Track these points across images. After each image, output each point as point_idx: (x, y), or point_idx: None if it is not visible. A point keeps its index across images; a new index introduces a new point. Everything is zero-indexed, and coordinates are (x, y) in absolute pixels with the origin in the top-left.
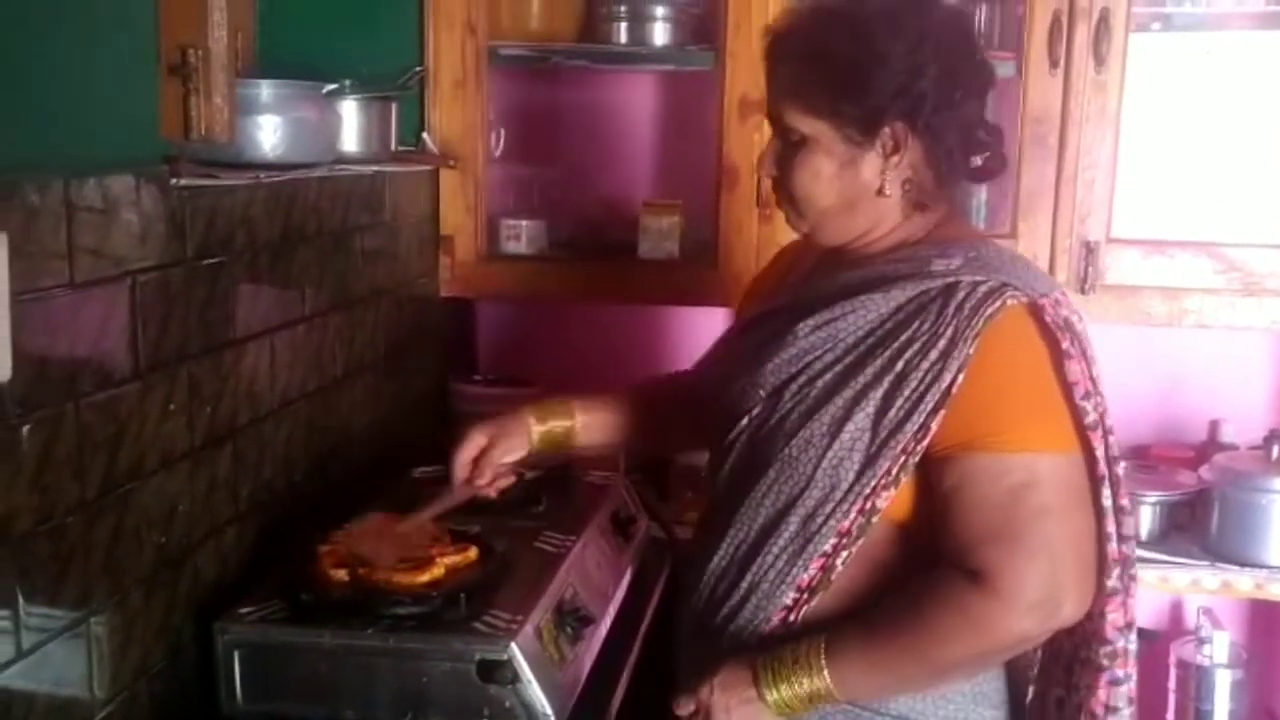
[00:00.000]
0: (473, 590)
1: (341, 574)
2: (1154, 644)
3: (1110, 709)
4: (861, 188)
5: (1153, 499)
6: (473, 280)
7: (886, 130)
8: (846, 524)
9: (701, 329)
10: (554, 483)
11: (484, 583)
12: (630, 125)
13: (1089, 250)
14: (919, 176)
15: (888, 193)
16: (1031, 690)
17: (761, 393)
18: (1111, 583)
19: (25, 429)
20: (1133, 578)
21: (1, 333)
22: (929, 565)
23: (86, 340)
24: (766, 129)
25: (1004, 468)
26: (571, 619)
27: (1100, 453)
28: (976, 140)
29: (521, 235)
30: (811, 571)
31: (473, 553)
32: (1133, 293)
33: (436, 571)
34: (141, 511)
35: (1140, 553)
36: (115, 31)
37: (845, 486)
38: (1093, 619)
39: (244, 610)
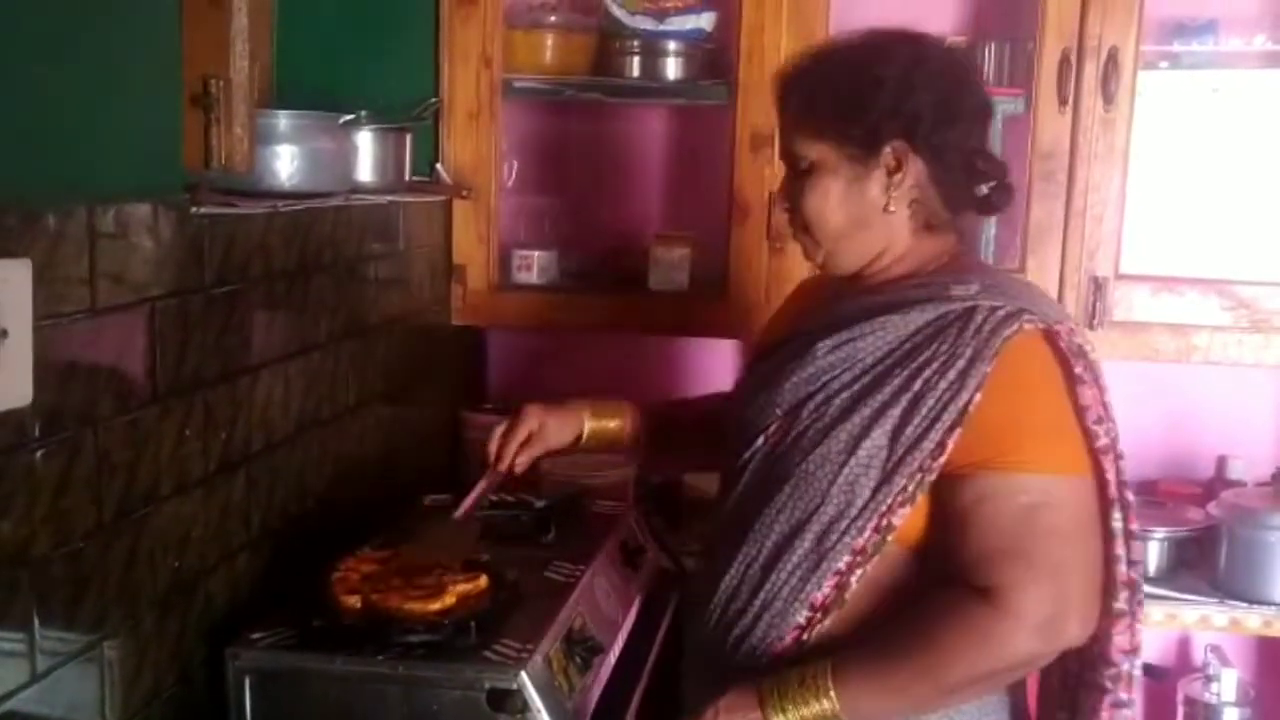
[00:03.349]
0: (483, 618)
1: (353, 600)
2: (1162, 681)
3: None
4: (869, 206)
5: (1160, 535)
6: (484, 309)
7: (887, 149)
8: (861, 541)
9: (711, 360)
10: (564, 512)
11: (494, 611)
12: (642, 158)
13: (1097, 286)
14: (925, 196)
15: (893, 209)
16: (1035, 714)
17: (778, 411)
18: (1119, 605)
19: (44, 453)
20: (1139, 603)
21: (24, 357)
22: (939, 588)
23: (106, 365)
24: (778, 162)
25: (1018, 487)
26: (581, 648)
27: (1111, 476)
28: (977, 168)
29: (533, 265)
30: (825, 590)
31: (483, 581)
32: (1141, 329)
33: (447, 599)
34: (156, 536)
35: (1148, 589)
36: (140, 62)
37: (861, 503)
38: (1099, 641)
39: (255, 636)
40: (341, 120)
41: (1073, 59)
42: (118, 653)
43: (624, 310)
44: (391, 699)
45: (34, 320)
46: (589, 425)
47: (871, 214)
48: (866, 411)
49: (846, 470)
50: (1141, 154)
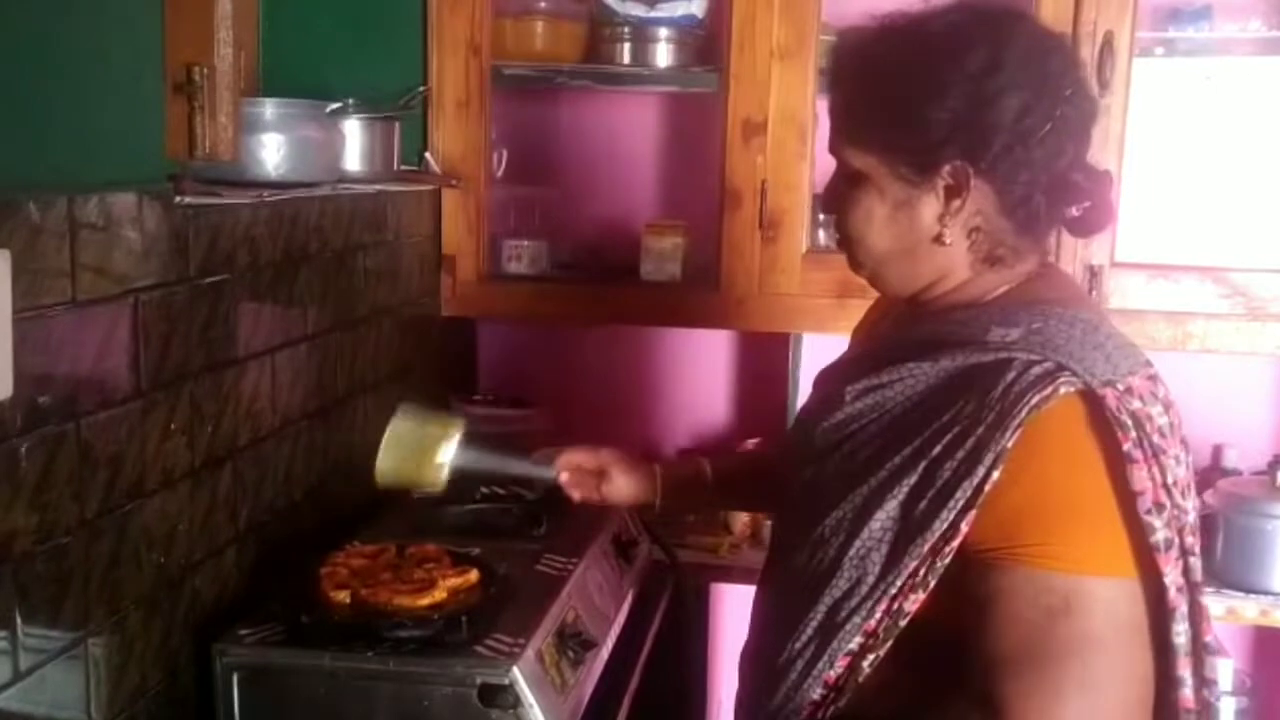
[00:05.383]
0: (474, 613)
1: (342, 596)
2: None
3: None
4: (918, 234)
5: None
6: (474, 300)
7: (945, 169)
8: (873, 624)
9: (703, 351)
10: (555, 505)
11: (485, 606)
12: (633, 147)
13: (1093, 274)
14: (991, 226)
15: (947, 241)
16: None
17: (809, 455)
18: None
19: (26, 447)
20: None
21: (3, 350)
22: (967, 670)
23: (88, 358)
24: (770, 150)
25: (1041, 586)
26: (573, 643)
27: (1172, 578)
28: (1071, 186)
29: (523, 256)
30: (838, 670)
31: (474, 575)
32: (1137, 317)
33: (438, 594)
34: (141, 531)
35: None
36: (122, 49)
37: (871, 582)
38: None
39: (243, 632)
40: (329, 109)
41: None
42: (103, 650)
43: (615, 301)
44: (381, 695)
45: (14, 312)
46: (659, 502)
47: (919, 243)
48: (883, 475)
49: (858, 543)
50: (1137, 141)
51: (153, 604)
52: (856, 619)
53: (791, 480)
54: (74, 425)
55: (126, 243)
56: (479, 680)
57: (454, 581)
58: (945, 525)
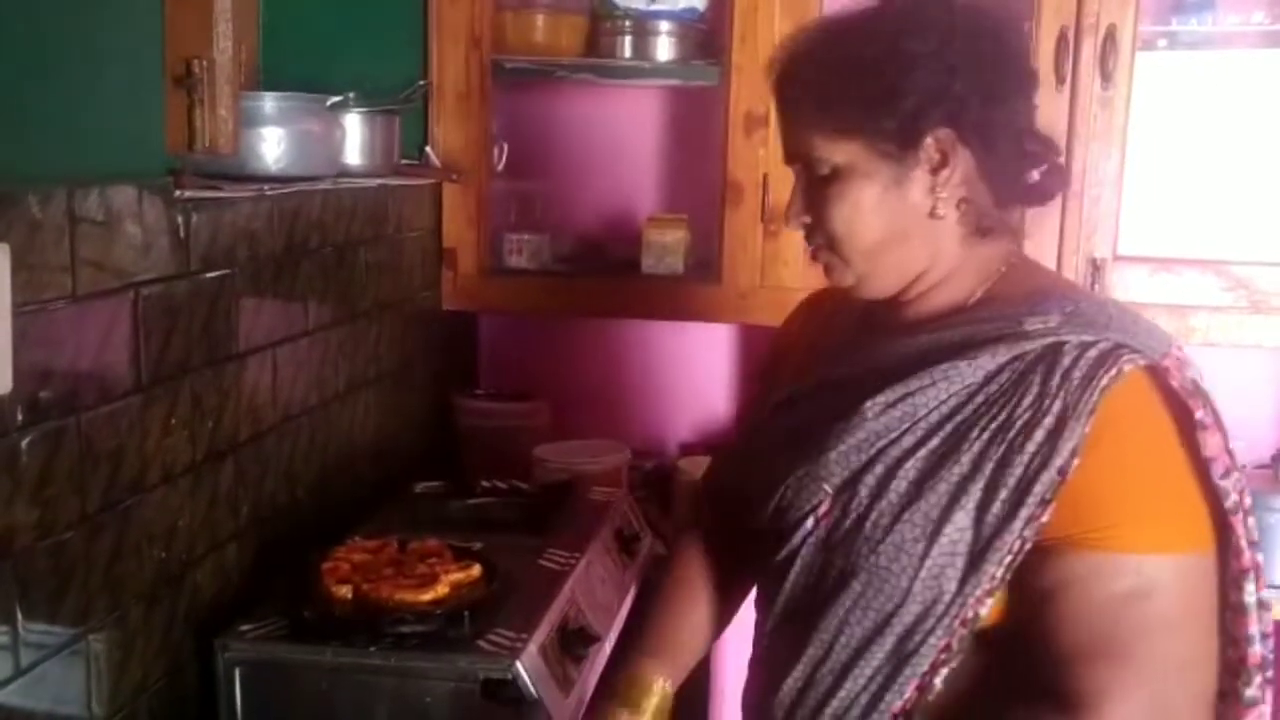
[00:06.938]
0: (476, 608)
1: (344, 591)
2: None
3: None
4: (911, 212)
5: None
6: (475, 294)
7: (929, 140)
8: (949, 639)
9: (704, 345)
10: (557, 500)
11: (488, 601)
12: (634, 140)
13: (1095, 267)
14: (974, 194)
15: (941, 213)
16: None
17: (827, 487)
18: (1251, 692)
19: (26, 442)
20: (1269, 681)
21: (3, 345)
22: (1037, 666)
23: (88, 353)
24: (771, 143)
25: (1114, 570)
26: (576, 637)
27: (1244, 541)
28: (1027, 150)
29: (524, 249)
30: (907, 695)
31: (476, 570)
32: (1139, 310)
33: (440, 589)
34: (142, 526)
35: None
36: (121, 42)
37: (948, 599)
38: None
39: (245, 627)
40: (329, 103)
41: (1070, 37)
42: (104, 646)
43: (616, 295)
44: (384, 690)
45: (13, 307)
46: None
47: (914, 222)
48: (942, 488)
49: (929, 563)
50: (1140, 134)
51: (154, 599)
52: (932, 639)
53: (795, 528)
54: (74, 420)
55: (126, 237)
56: (482, 675)
57: (456, 576)
58: (1022, 523)
